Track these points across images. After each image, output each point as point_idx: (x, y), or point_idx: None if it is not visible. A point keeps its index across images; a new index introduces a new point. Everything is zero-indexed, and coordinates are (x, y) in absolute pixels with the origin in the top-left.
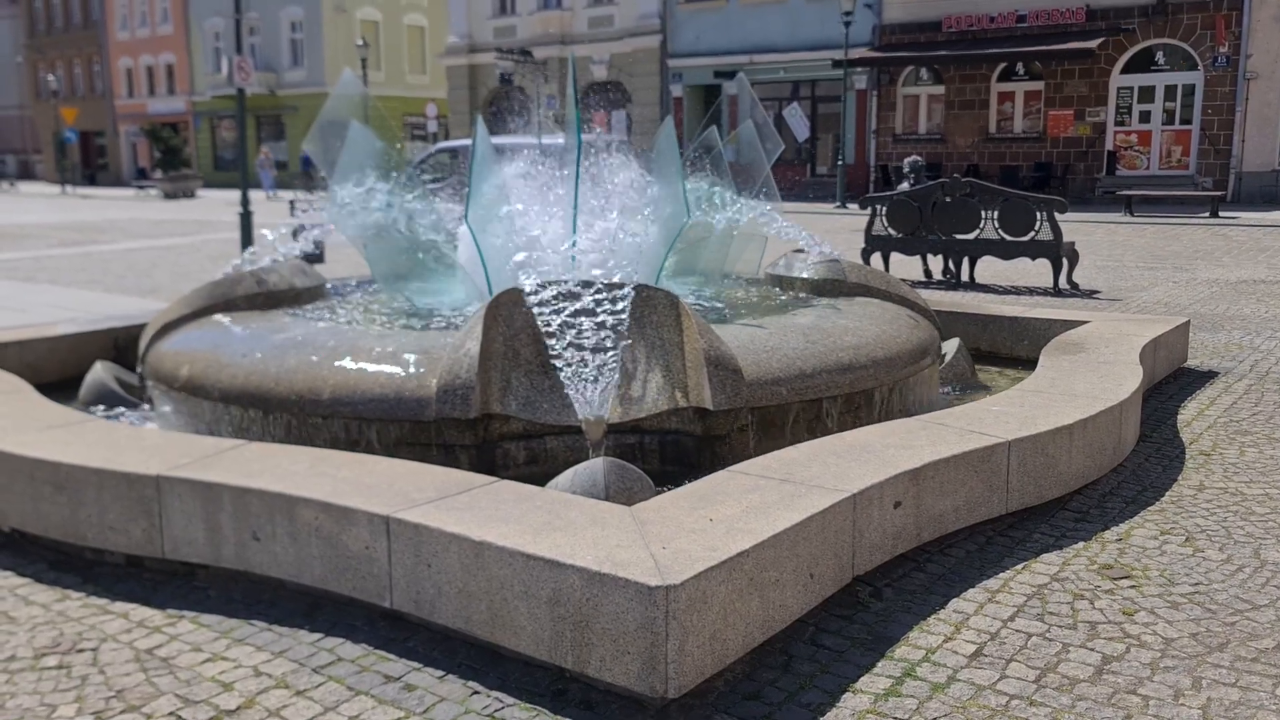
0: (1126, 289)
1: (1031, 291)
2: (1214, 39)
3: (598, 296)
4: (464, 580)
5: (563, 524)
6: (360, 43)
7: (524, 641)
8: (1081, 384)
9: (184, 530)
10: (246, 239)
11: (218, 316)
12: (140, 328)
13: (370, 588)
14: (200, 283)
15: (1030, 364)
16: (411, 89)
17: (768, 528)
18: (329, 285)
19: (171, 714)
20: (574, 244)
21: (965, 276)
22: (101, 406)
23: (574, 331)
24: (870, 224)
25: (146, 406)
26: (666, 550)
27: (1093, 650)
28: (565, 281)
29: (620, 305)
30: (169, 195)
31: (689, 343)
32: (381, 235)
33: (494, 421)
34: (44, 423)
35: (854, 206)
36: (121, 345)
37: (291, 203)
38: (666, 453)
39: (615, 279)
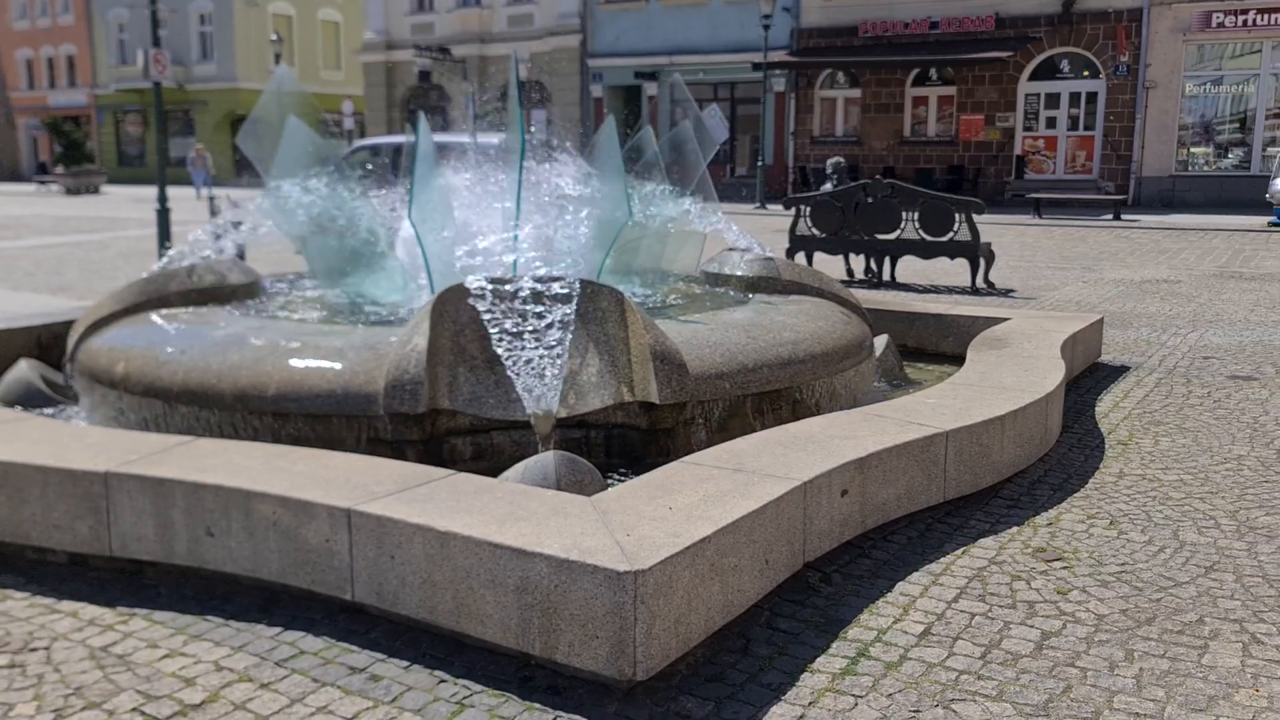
0: (1039, 288)
1: (950, 290)
2: (1115, 49)
3: (543, 293)
4: (428, 571)
5: (525, 514)
6: (274, 38)
7: (490, 630)
8: (1009, 377)
9: (133, 527)
10: (164, 236)
11: (154, 313)
12: (66, 325)
13: (331, 580)
14: (114, 281)
15: (955, 359)
16: (326, 85)
17: (726, 515)
18: (264, 282)
19: (134, 710)
20: (515, 240)
21: (886, 276)
22: (19, 407)
23: (520, 327)
24: (794, 224)
25: (74, 406)
26: (630, 538)
27: (1032, 627)
28: (510, 278)
29: (565, 302)
30: (71, 191)
31: (634, 338)
32: (321, 231)
33: (441, 417)
34: None
35: (774, 207)
36: (45, 343)
37: (211, 199)
38: (612, 446)
39: (560, 276)
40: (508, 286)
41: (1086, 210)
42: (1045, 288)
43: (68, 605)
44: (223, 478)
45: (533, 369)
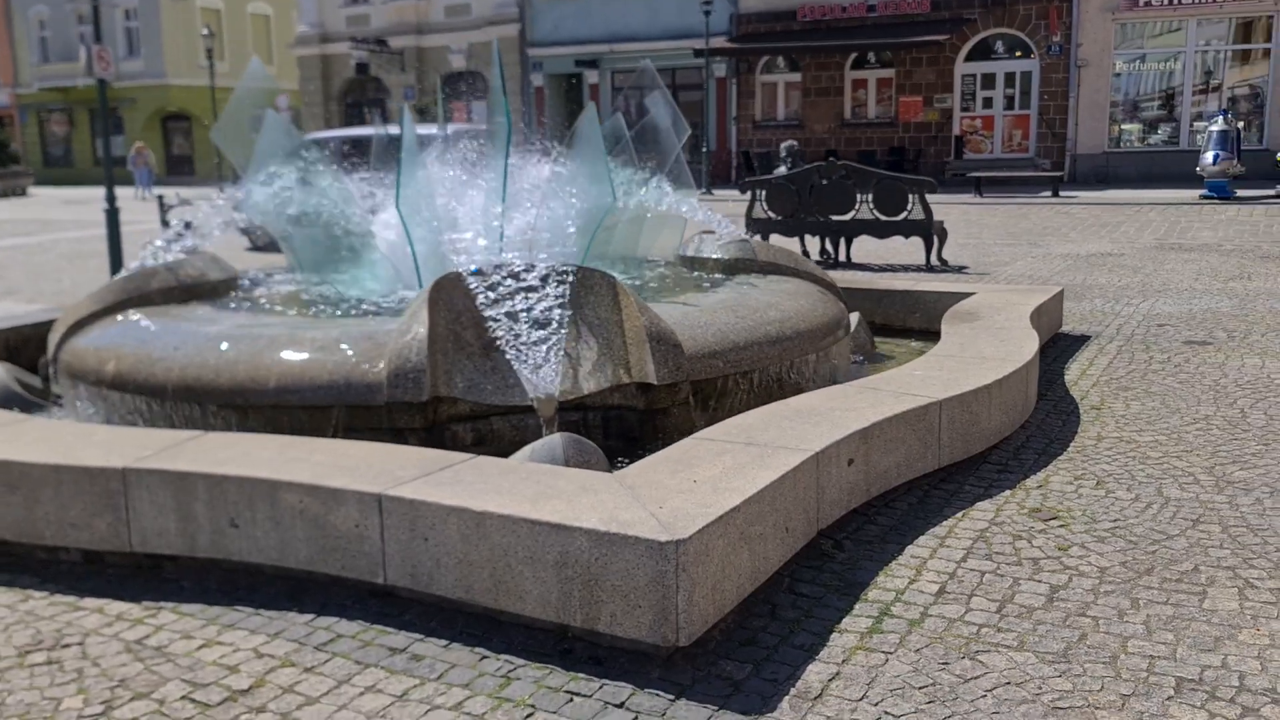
0: (991, 264)
1: (905, 269)
2: (1048, 29)
3: (537, 279)
4: (464, 551)
5: (555, 492)
6: (205, 32)
7: (529, 605)
8: (987, 348)
9: (154, 522)
10: (114, 237)
11: (138, 310)
12: (33, 328)
13: (362, 566)
14: (60, 283)
15: (923, 334)
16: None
17: (750, 485)
18: (242, 277)
19: (184, 698)
20: (501, 229)
21: (842, 256)
22: None
23: (515, 314)
24: (750, 207)
25: (56, 407)
26: (664, 510)
27: (1040, 582)
28: (503, 265)
29: (559, 287)
30: None
31: (628, 321)
32: (305, 224)
33: (442, 404)
34: None
35: (720, 192)
36: (14, 346)
37: (160, 198)
38: (610, 427)
39: (550, 262)
40: (501, 273)
41: (1025, 188)
42: (996, 264)
43: (91, 602)
44: (245, 469)
45: (531, 354)
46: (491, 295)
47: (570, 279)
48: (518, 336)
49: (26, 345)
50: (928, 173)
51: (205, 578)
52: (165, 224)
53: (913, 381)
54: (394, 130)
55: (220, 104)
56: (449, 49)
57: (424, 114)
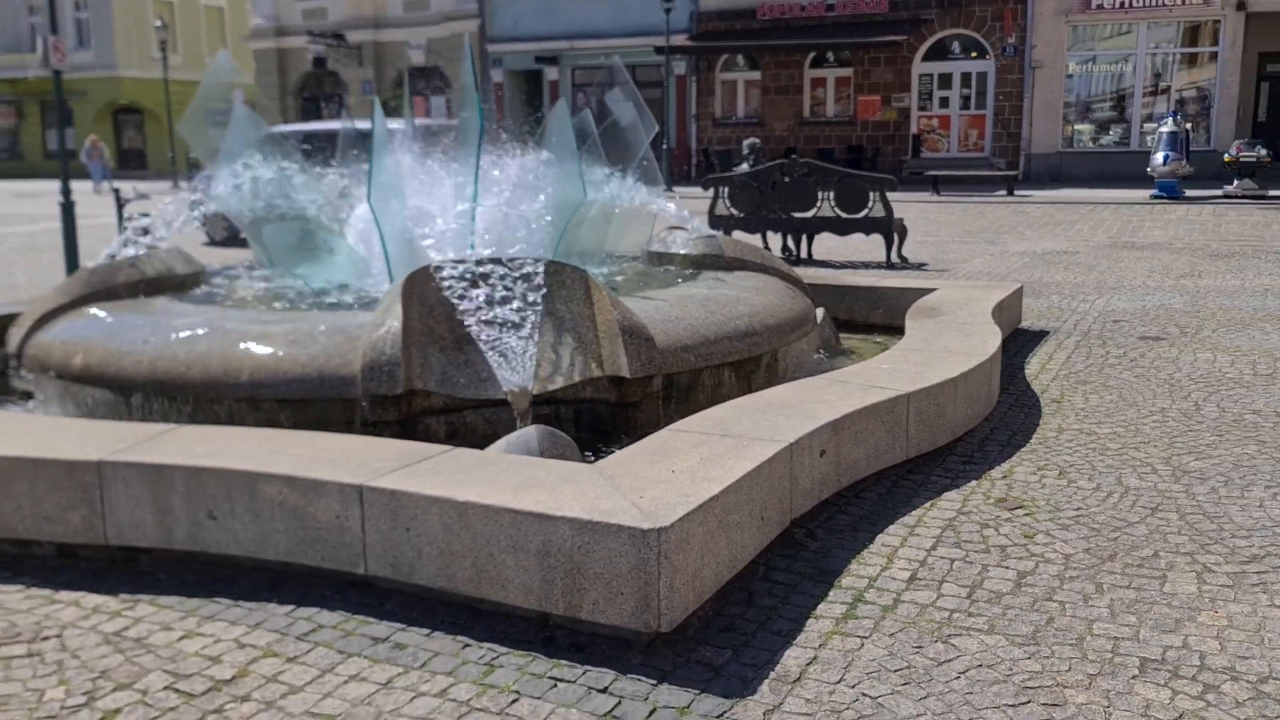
0: (949, 261)
1: (866, 265)
2: (1003, 30)
3: (508, 273)
4: (446, 540)
5: (536, 483)
6: (158, 23)
7: (511, 593)
8: (951, 343)
9: (130, 515)
10: (70, 231)
11: (104, 304)
12: None
13: (342, 556)
14: (13, 277)
15: (886, 329)
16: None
17: (728, 475)
18: (208, 272)
19: (167, 688)
20: (473, 224)
21: (804, 253)
22: None
23: (488, 308)
24: (713, 204)
25: (20, 401)
26: (644, 499)
27: (1008, 569)
28: (475, 260)
29: (532, 281)
30: None
31: (600, 315)
32: (274, 218)
33: (416, 397)
34: None
35: (680, 189)
36: None
37: (117, 191)
38: (582, 421)
39: (521, 256)
40: (474, 268)
41: (981, 186)
42: (955, 260)
43: (66, 595)
44: (223, 461)
45: (505, 348)
46: (464, 289)
47: (543, 273)
48: (491, 330)
49: None
50: (885, 171)
51: (182, 570)
52: (122, 220)
53: (880, 375)
54: (361, 125)
55: (174, 97)
56: (407, 44)
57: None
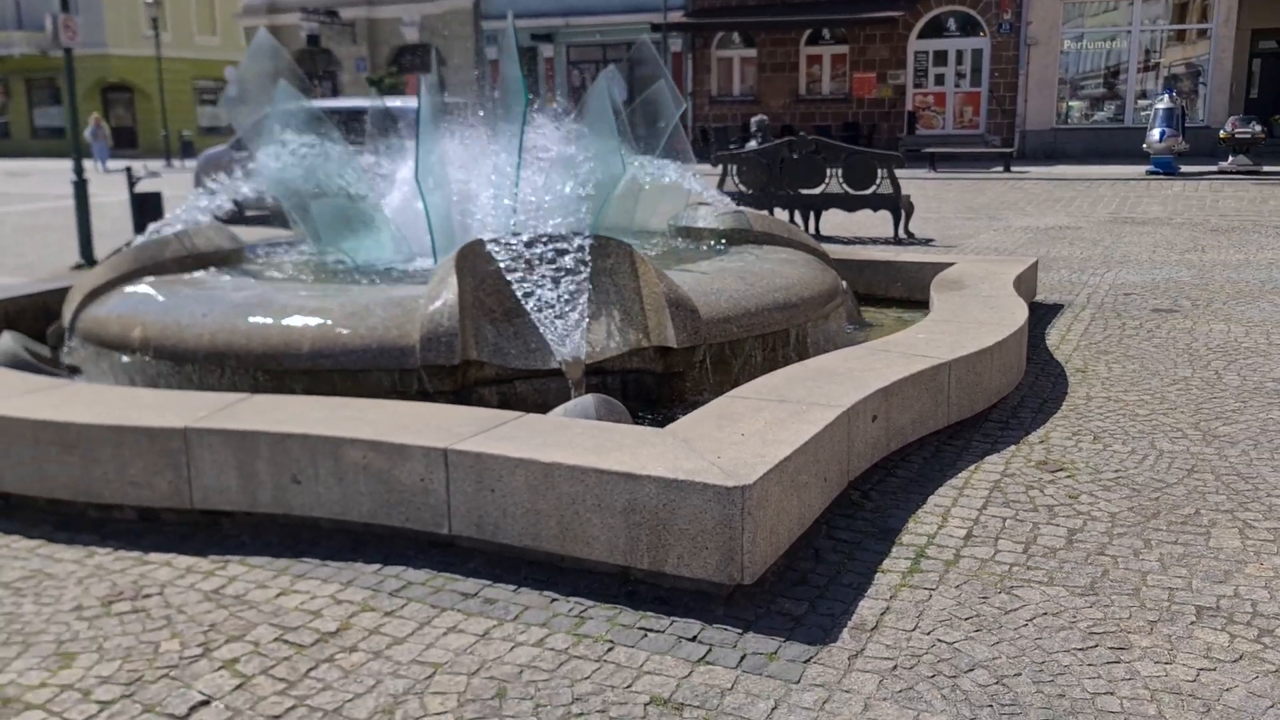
0: (955, 237)
1: (874, 241)
2: (999, 7)
3: (555, 247)
4: (531, 500)
5: (615, 445)
6: (149, 0)
7: (596, 550)
8: (980, 314)
9: (216, 479)
10: (83, 210)
11: (155, 278)
12: (29, 299)
13: (426, 517)
14: (23, 257)
15: (904, 303)
16: (201, 51)
17: (796, 438)
18: (250, 248)
19: (277, 640)
20: (515, 199)
21: (812, 229)
22: None
23: (538, 280)
24: (722, 181)
25: (68, 375)
26: (721, 459)
27: (1058, 526)
28: (522, 234)
29: (580, 254)
30: None
31: (646, 287)
32: (317, 194)
33: (470, 368)
34: (18, 389)
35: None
36: (11, 316)
37: (129, 170)
38: (628, 390)
39: (566, 231)
40: (521, 242)
41: (976, 163)
42: (960, 236)
43: (156, 556)
44: (306, 427)
45: (557, 319)
46: (512, 263)
47: (589, 247)
48: (542, 302)
49: (23, 315)
50: (881, 148)
51: (265, 532)
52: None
53: (919, 344)
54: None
55: (166, 75)
56: (401, 21)
57: (377, 87)
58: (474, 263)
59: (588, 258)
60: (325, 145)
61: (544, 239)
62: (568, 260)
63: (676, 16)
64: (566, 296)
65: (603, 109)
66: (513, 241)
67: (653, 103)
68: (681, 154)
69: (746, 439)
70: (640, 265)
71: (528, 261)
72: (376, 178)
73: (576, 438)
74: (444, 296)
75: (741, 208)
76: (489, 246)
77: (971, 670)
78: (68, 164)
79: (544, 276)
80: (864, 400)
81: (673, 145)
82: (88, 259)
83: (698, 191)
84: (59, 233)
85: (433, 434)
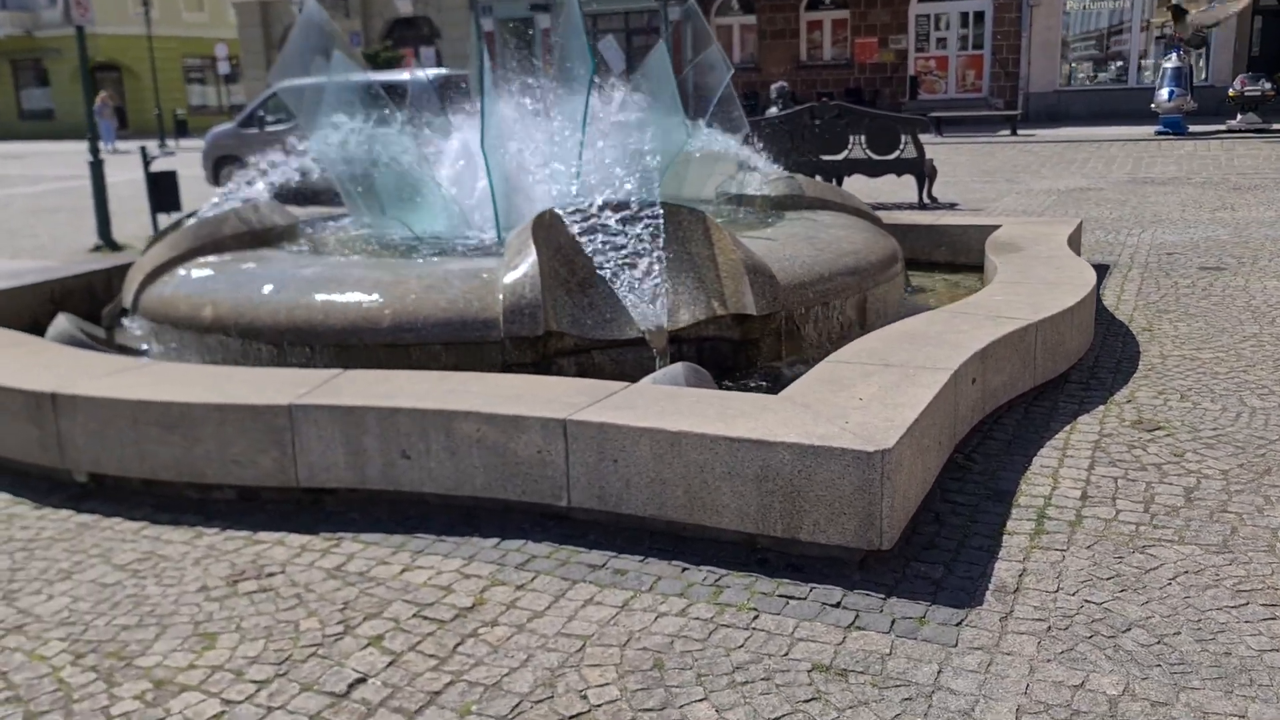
0: (978, 200)
1: (898, 206)
2: None
3: (627, 216)
4: (657, 470)
5: (737, 412)
6: None
7: (726, 518)
8: (1047, 275)
9: (322, 456)
10: (100, 190)
11: (220, 256)
12: (76, 279)
13: (544, 490)
14: (38, 240)
15: (950, 267)
16: (190, 28)
17: (917, 400)
18: (304, 224)
19: (416, 616)
20: (579, 169)
21: None
22: None
23: (613, 250)
24: None
25: (129, 354)
26: (850, 424)
27: (1172, 484)
28: (592, 203)
29: (653, 223)
30: None
31: (721, 254)
32: (385, 169)
33: (551, 339)
34: (101, 369)
35: None
36: (58, 298)
37: (143, 149)
38: (704, 358)
39: (636, 200)
40: (593, 211)
41: (981, 127)
42: (983, 200)
43: (267, 535)
44: (413, 401)
45: (632, 289)
46: (584, 232)
47: (662, 215)
48: (617, 272)
49: (70, 297)
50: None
51: (372, 509)
52: (150, 176)
53: (997, 306)
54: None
55: (157, 53)
56: None
57: (373, 61)
58: (549, 233)
59: (661, 226)
60: (385, 117)
61: (614, 207)
62: (640, 229)
63: None
64: (643, 266)
65: (664, 75)
66: (584, 211)
67: (703, 69)
68: (734, 120)
69: (866, 403)
70: (715, 232)
71: (601, 230)
72: (431, 150)
73: (694, 406)
74: (523, 268)
75: (790, 174)
76: (567, 216)
77: (1129, 630)
78: (60, 146)
79: (618, 246)
80: (967, 362)
81: (725, 110)
82: (106, 240)
83: (747, 158)
84: (68, 213)
85: (545, 405)
